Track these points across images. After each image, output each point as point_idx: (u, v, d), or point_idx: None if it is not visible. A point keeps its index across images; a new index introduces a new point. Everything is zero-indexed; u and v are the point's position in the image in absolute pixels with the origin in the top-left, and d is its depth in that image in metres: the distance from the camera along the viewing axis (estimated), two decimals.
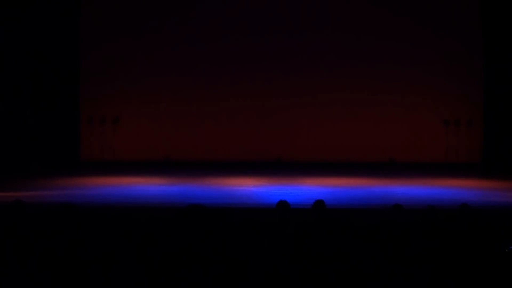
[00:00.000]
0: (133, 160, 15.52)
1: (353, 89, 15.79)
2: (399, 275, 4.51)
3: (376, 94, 15.76)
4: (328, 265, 4.50)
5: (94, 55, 15.72)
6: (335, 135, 15.78)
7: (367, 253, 4.65)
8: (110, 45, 15.75)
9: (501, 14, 15.29)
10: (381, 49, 15.73)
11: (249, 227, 5.02)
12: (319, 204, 6.43)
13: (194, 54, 15.78)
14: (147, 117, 15.83)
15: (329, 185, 12.22)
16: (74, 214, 5.14)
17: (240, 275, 4.36)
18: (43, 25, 14.69)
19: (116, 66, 15.77)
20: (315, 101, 15.81)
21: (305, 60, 15.79)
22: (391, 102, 15.81)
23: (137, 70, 15.76)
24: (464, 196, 10.05)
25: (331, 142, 15.74)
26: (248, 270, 4.37)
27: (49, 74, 15.01)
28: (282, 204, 6.35)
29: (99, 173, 14.12)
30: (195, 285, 4.33)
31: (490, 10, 15.46)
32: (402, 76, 15.78)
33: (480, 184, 13.07)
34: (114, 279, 4.36)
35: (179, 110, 15.86)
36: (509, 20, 15.19)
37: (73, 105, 15.63)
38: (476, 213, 6.42)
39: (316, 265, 4.51)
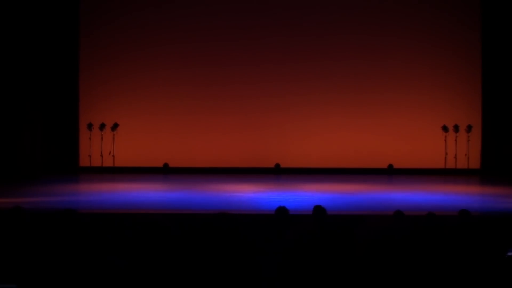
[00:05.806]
0: (131, 167, 15.52)
1: (352, 96, 15.79)
2: (399, 281, 4.50)
3: (375, 101, 15.76)
4: (328, 272, 4.48)
5: (94, 62, 15.76)
6: (335, 141, 15.78)
7: (368, 260, 4.64)
8: (110, 52, 15.79)
9: (500, 20, 15.31)
10: (380, 56, 15.75)
11: (248, 233, 5.00)
12: (319, 210, 6.39)
13: (193, 63, 15.81)
14: (146, 124, 15.84)
15: (329, 191, 12.20)
16: (73, 220, 5.13)
17: (241, 281, 4.35)
18: (43, 31, 14.70)
19: (116, 73, 15.80)
20: (314, 108, 15.81)
21: (304, 69, 15.80)
22: (390, 109, 15.81)
23: (136, 78, 15.78)
24: (463, 202, 10.03)
25: (331, 149, 15.74)
26: (249, 276, 4.36)
27: (48, 81, 15.01)
28: (281, 211, 6.32)
29: (97, 179, 14.12)
30: None
31: (489, 17, 15.48)
32: (401, 83, 15.79)
33: (479, 190, 13.06)
34: (112, 285, 4.35)
35: (178, 117, 15.86)
36: (508, 27, 15.22)
37: (72, 112, 15.65)
38: (475, 219, 6.41)
39: (316, 272, 4.50)
